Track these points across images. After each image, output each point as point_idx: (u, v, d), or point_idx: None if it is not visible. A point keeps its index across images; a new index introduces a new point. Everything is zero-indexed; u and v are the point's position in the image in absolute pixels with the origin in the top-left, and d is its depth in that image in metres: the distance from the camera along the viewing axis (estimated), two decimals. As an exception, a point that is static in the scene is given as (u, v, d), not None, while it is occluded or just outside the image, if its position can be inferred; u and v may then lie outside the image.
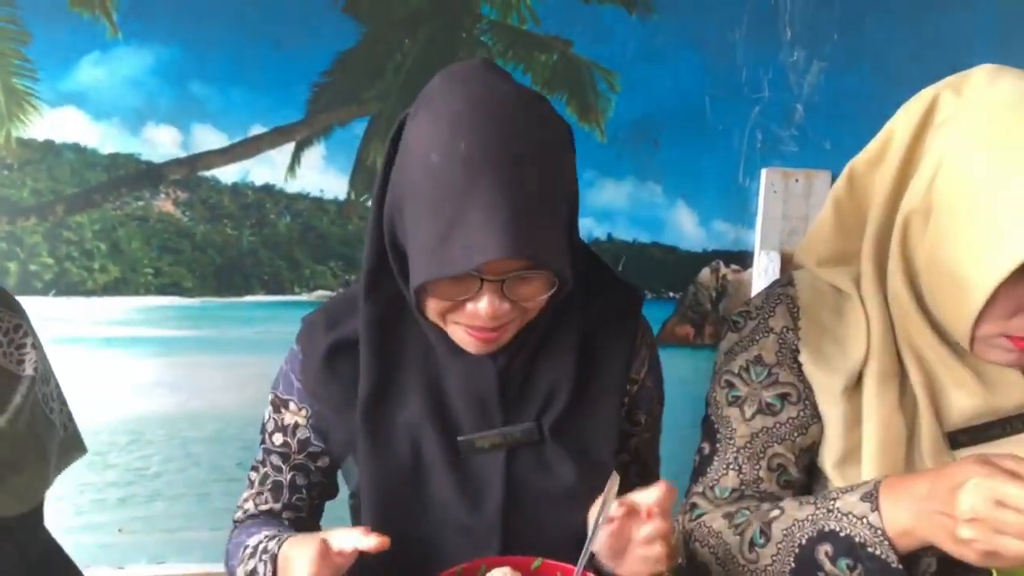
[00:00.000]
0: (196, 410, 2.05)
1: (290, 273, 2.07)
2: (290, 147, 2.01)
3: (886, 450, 1.03)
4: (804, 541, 0.95)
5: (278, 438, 1.11)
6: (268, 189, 2.03)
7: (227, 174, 2.00)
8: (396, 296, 1.01)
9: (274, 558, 0.94)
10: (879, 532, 0.89)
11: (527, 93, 0.92)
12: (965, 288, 0.96)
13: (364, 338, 1.03)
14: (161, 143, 1.95)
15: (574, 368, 1.05)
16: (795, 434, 1.10)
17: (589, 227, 2.10)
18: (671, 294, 2.25)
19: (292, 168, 2.02)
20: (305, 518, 1.14)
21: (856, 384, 1.07)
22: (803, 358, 1.10)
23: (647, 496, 0.88)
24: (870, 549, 0.90)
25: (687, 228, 2.20)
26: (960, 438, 1.06)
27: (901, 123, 1.06)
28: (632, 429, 1.18)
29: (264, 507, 1.12)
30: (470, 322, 0.94)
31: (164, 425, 2.04)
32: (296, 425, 1.11)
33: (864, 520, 0.90)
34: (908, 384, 1.06)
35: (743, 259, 2.25)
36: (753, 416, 1.10)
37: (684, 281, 2.26)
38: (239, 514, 1.15)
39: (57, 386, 1.18)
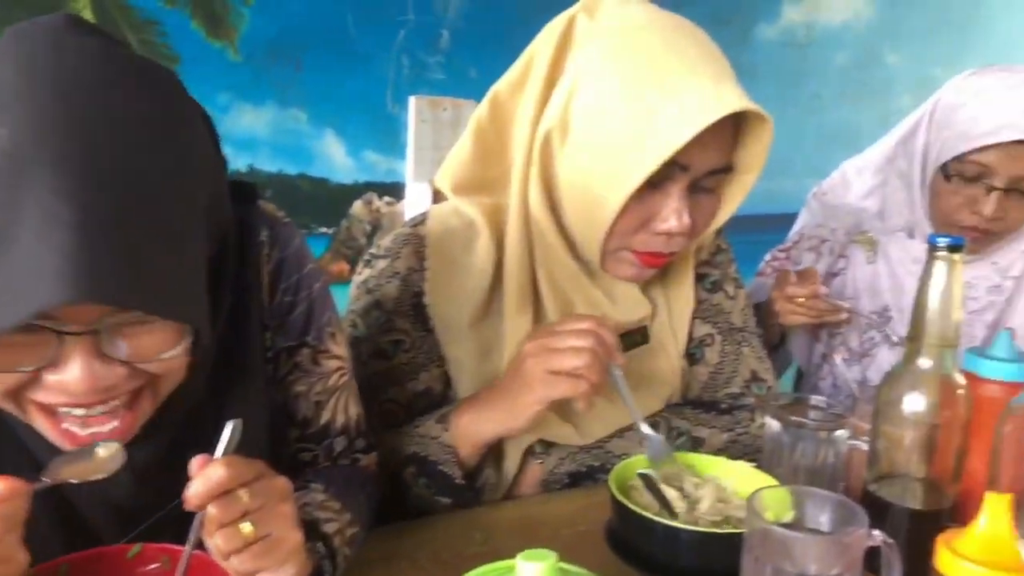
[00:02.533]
0: None
1: None
2: None
3: None
4: (396, 467, 1.00)
5: None
6: None
7: None
8: None
9: None
10: (449, 450, 0.98)
11: (129, 59, 0.65)
12: (597, 203, 0.98)
13: None
14: None
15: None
16: (405, 379, 1.09)
17: (227, 158, 1.89)
18: (323, 229, 2.13)
19: None
20: None
21: (484, 315, 1.07)
22: (428, 299, 1.08)
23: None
24: (441, 467, 0.98)
25: (337, 159, 2.08)
26: None
27: (541, 46, 1.05)
28: None
29: None
30: (62, 401, 0.65)
31: None
32: None
33: (438, 441, 0.98)
34: (543, 309, 1.07)
35: (397, 191, 2.18)
36: (368, 359, 1.08)
37: (337, 215, 2.14)
38: None
39: None
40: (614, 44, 0.98)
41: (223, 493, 0.63)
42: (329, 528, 0.80)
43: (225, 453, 0.66)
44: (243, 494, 0.64)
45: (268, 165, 1.99)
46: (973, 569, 0.62)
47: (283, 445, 0.92)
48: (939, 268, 0.82)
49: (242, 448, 0.67)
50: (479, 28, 2.15)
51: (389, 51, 2.06)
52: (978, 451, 0.85)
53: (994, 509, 0.63)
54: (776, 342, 1.49)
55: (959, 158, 1.31)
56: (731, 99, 0.92)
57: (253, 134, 1.96)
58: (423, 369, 1.08)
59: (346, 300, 1.10)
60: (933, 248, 0.82)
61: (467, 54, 2.15)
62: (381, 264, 1.10)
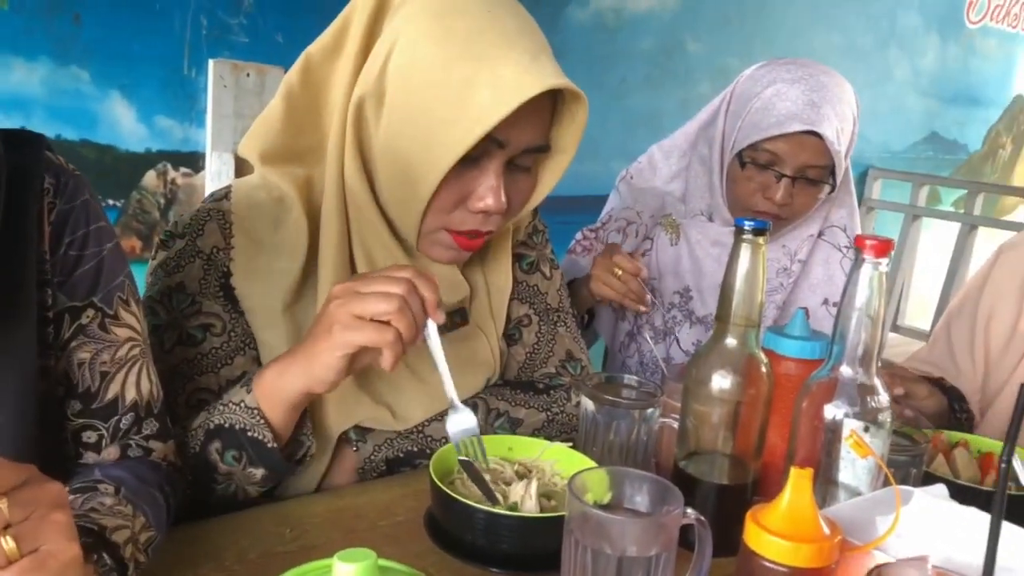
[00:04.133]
0: None
1: None
2: None
3: None
4: (198, 448, 0.91)
5: None
6: None
7: None
8: None
9: None
10: (255, 412, 0.89)
11: None
12: (413, 180, 0.95)
13: None
14: None
15: None
16: (218, 365, 1.00)
17: (-6, 118, 1.68)
18: (111, 201, 1.94)
19: None
20: None
21: (298, 298, 1.01)
22: (235, 281, 1.00)
23: None
24: (250, 433, 0.89)
25: (125, 124, 1.90)
26: None
27: (358, 8, 1.00)
28: None
29: None
30: None
31: None
32: None
33: (242, 404, 0.89)
34: None
35: (194, 161, 2.03)
36: (172, 347, 0.99)
37: (126, 186, 1.96)
38: None
39: None
40: (432, 9, 0.94)
41: None
42: (119, 536, 0.72)
43: None
44: (2, 505, 0.56)
45: (44, 128, 1.77)
46: (779, 542, 0.64)
47: (63, 422, 0.83)
48: (745, 250, 0.85)
49: (8, 424, 0.59)
50: (285, -9, 2.04)
51: (185, 9, 1.90)
52: (777, 426, 0.90)
53: (797, 483, 0.66)
54: (583, 321, 1.52)
55: (752, 146, 1.38)
56: (548, 76, 0.91)
57: (24, 93, 1.74)
58: (238, 353, 1.00)
59: (140, 283, 1.00)
60: (740, 231, 0.85)
61: (272, 17, 2.03)
62: (180, 243, 1.00)
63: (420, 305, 0.87)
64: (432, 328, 0.89)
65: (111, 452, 0.85)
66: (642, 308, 1.41)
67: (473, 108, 0.90)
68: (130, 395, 0.85)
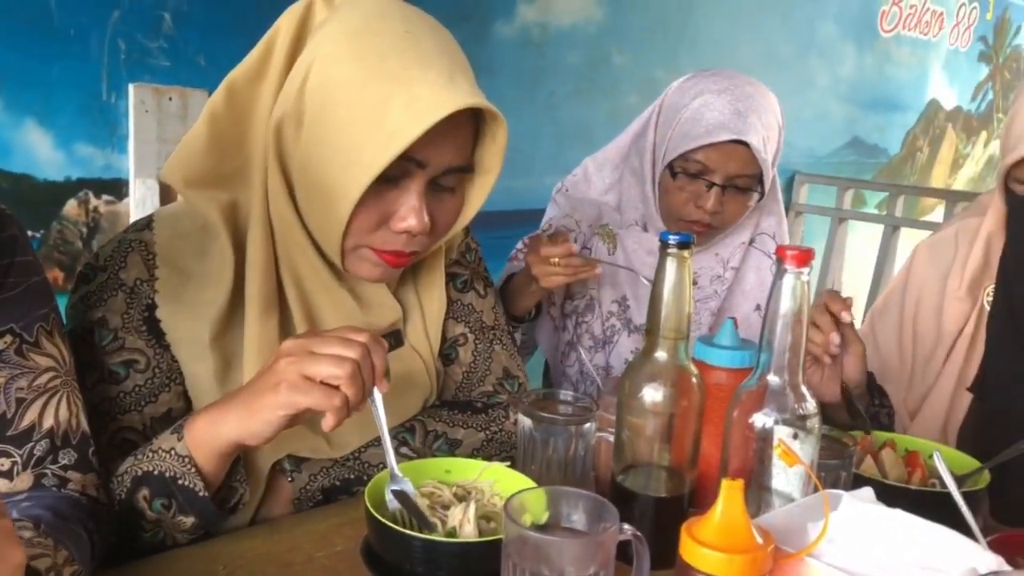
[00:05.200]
0: None
1: None
2: None
3: None
4: (124, 494, 0.89)
5: None
6: None
7: None
8: None
9: None
10: (186, 460, 0.86)
11: None
12: (331, 200, 0.93)
13: None
14: None
15: None
16: (142, 403, 0.97)
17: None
18: (31, 232, 1.87)
19: None
20: None
21: (226, 328, 0.98)
22: (161, 313, 0.97)
23: None
24: (180, 481, 0.86)
25: (42, 152, 1.83)
26: None
27: (281, 31, 0.99)
28: None
29: None
30: None
31: None
32: None
33: (172, 452, 0.87)
34: (288, 312, 1.01)
35: (117, 188, 1.97)
36: (93, 386, 0.95)
37: (46, 216, 1.89)
38: None
39: None
40: (349, 29, 0.94)
41: None
42: (40, 564, 0.70)
43: None
44: None
45: (-46, 159, 1.73)
46: (712, 555, 0.65)
47: None
48: (670, 264, 0.86)
49: None
50: (206, 12, 1.99)
51: (103, 32, 1.85)
52: (710, 435, 0.91)
53: (728, 495, 0.66)
54: (529, 316, 1.51)
55: (682, 156, 1.40)
56: (463, 95, 0.90)
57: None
58: (163, 389, 0.97)
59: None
60: (665, 245, 0.86)
61: (194, 40, 1.98)
62: (102, 276, 0.97)
63: (371, 371, 0.85)
64: (378, 396, 0.87)
65: (24, 479, 0.82)
66: (598, 271, 1.40)
67: (388, 127, 0.89)
68: (47, 423, 0.83)
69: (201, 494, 0.87)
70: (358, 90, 0.90)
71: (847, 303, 1.20)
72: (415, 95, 0.89)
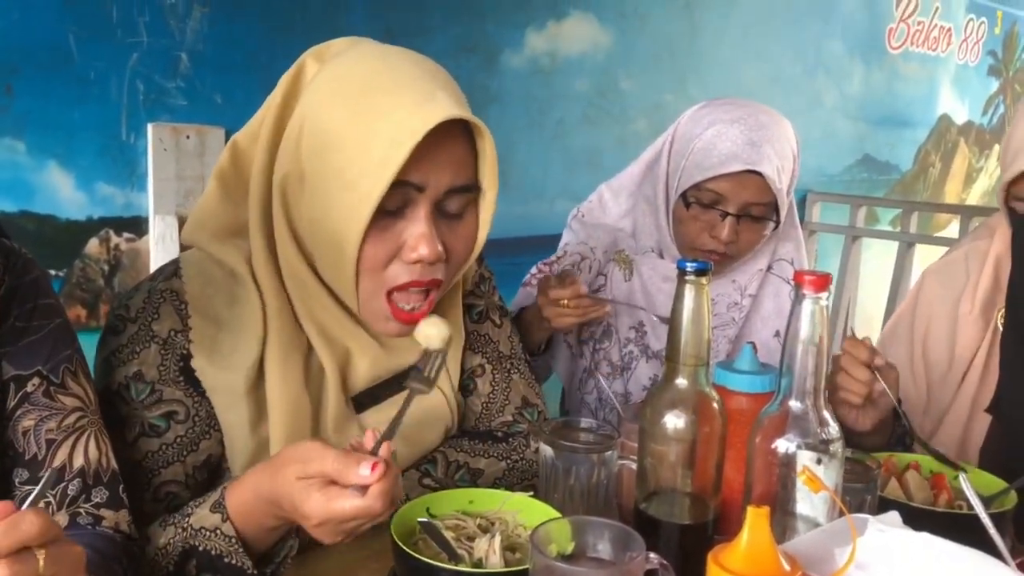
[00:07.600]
0: None
1: None
2: None
3: (295, 434, 0.98)
4: (172, 567, 0.90)
5: None
6: None
7: None
8: None
9: None
10: (232, 540, 0.87)
11: None
12: (339, 242, 0.94)
13: None
14: None
15: None
16: (184, 453, 0.98)
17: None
18: (54, 272, 1.90)
19: None
20: None
21: (259, 377, 0.99)
22: (196, 363, 0.97)
23: None
24: (227, 559, 0.88)
25: (64, 193, 1.87)
26: (363, 400, 1.07)
27: (274, 95, 1.02)
28: None
29: None
30: None
31: None
32: None
33: (218, 531, 0.88)
34: (315, 358, 1.02)
35: (137, 226, 2.00)
36: (134, 441, 0.96)
37: (68, 255, 1.92)
38: None
39: None
40: (332, 76, 0.96)
41: (21, 549, 0.56)
42: None
43: (35, 503, 0.61)
44: (40, 556, 0.57)
45: (-21, 203, 1.76)
46: (741, 581, 0.65)
47: (11, 491, 0.84)
48: (688, 291, 0.87)
49: None
50: (221, 51, 2.03)
51: (121, 75, 1.89)
52: (733, 461, 0.91)
53: (754, 522, 0.67)
54: (540, 349, 1.52)
55: (696, 186, 1.41)
56: (441, 109, 0.90)
57: (-42, 168, 1.71)
58: (203, 437, 0.98)
59: (88, 353, 0.98)
60: (682, 273, 0.87)
61: (210, 78, 2.02)
62: (133, 328, 0.97)
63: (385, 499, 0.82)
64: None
65: (59, 520, 0.84)
66: (607, 310, 1.41)
67: (377, 156, 0.90)
68: (78, 462, 0.85)
69: (249, 572, 0.88)
70: (346, 130, 0.92)
71: (870, 346, 1.18)
72: (397, 120, 0.90)
